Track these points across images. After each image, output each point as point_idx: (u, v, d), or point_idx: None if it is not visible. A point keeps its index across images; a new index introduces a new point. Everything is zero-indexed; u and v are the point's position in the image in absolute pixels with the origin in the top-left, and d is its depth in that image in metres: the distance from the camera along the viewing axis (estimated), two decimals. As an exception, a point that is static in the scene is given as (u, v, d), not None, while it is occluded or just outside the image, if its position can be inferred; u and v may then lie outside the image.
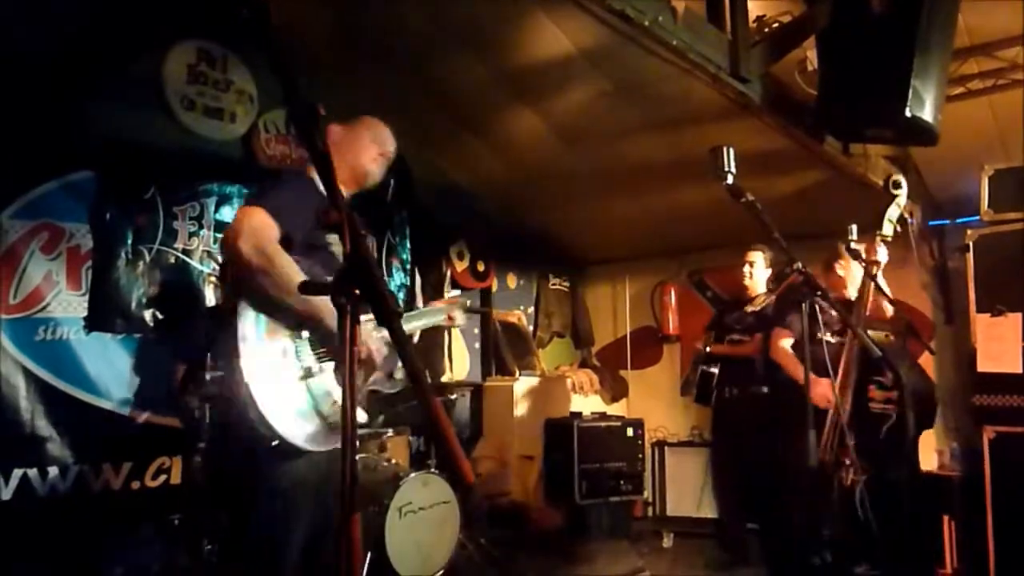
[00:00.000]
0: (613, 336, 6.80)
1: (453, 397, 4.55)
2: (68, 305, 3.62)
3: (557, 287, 6.83)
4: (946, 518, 3.99)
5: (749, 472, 4.57)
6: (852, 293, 3.74)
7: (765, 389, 4.49)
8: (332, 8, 3.98)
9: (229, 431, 2.04)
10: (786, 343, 3.89)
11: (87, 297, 3.67)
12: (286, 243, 1.89)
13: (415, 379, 0.98)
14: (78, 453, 3.55)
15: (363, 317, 1.92)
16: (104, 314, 3.71)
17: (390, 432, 4.22)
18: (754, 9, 3.56)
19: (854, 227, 3.27)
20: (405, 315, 2.48)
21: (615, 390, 6.37)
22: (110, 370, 3.71)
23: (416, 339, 5.45)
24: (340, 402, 1.87)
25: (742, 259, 4.65)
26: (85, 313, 3.66)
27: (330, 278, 1.95)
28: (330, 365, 1.94)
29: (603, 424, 5.37)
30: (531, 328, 6.44)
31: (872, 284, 3.46)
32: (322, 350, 1.95)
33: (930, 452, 4.51)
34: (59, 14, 3.52)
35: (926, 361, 4.40)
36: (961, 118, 4.10)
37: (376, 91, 4.69)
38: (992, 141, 4.49)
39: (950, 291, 4.85)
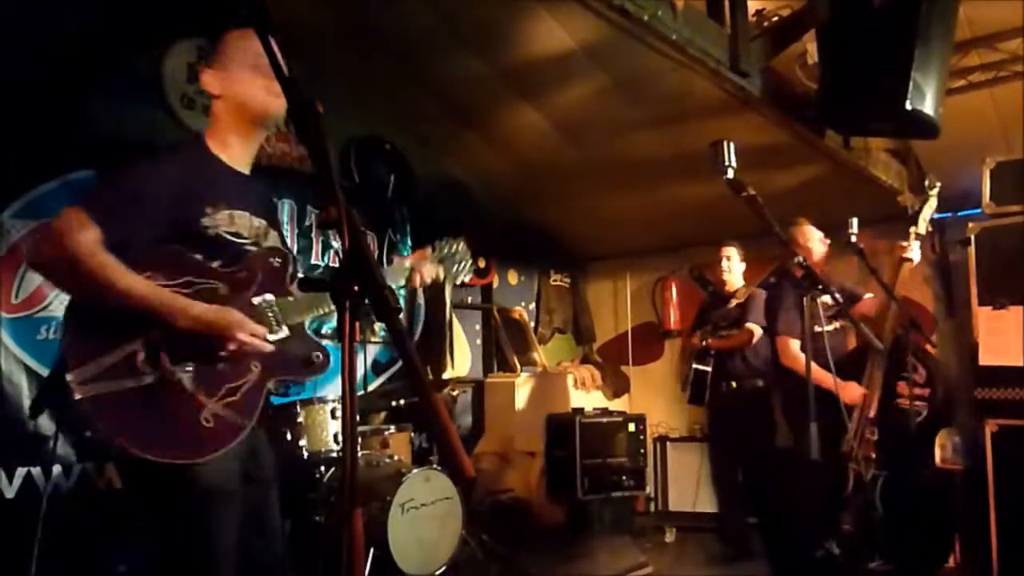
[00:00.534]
0: (614, 332, 6.80)
1: (455, 393, 4.56)
2: (69, 304, 3.62)
3: (558, 283, 6.83)
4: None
5: (749, 466, 4.58)
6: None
7: (760, 383, 4.51)
8: (333, 5, 3.98)
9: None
10: (795, 345, 3.87)
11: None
12: (125, 239, 1.67)
13: (415, 375, 0.97)
14: (81, 452, 3.56)
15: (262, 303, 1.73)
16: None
17: (392, 428, 4.22)
18: (753, 3, 3.56)
19: (854, 220, 3.26)
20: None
21: (617, 386, 6.37)
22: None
23: (417, 336, 5.49)
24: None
25: (717, 255, 4.77)
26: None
27: (213, 264, 1.77)
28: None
29: (605, 420, 5.37)
30: (532, 324, 6.44)
31: (887, 278, 3.46)
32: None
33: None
34: (59, 13, 3.52)
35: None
36: (962, 111, 4.10)
37: (377, 88, 4.69)
38: (993, 133, 4.48)
39: (951, 284, 4.84)
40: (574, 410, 5.43)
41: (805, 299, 2.74)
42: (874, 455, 3.38)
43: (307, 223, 4.79)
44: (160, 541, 1.80)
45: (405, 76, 4.51)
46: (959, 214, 4.64)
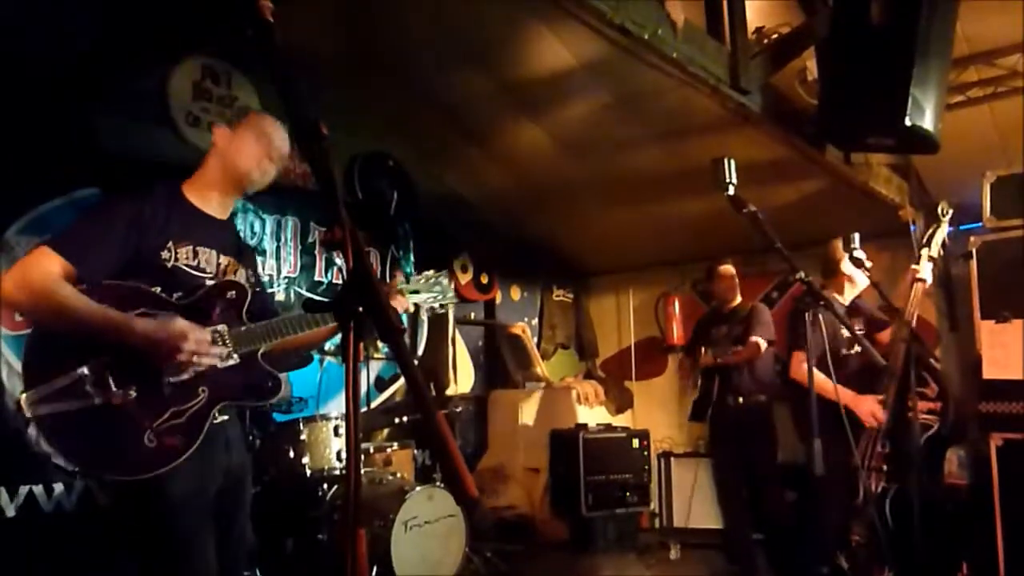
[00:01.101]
0: (617, 347, 6.80)
1: (458, 409, 4.55)
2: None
3: (561, 298, 6.83)
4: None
5: (755, 481, 4.57)
6: (849, 297, 3.77)
7: (763, 397, 4.51)
8: (337, 24, 4.01)
9: None
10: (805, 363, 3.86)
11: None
12: (87, 273, 1.83)
13: (418, 395, 0.98)
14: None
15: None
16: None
17: (395, 446, 4.22)
18: (753, 20, 3.59)
19: (856, 235, 3.27)
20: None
21: (620, 401, 6.35)
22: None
23: (420, 352, 5.49)
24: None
25: (716, 274, 4.79)
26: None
27: (172, 296, 1.91)
28: None
29: (608, 435, 5.35)
30: (535, 340, 6.44)
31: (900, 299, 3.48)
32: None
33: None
34: (65, 30, 3.55)
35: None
36: (962, 126, 4.12)
37: (380, 105, 4.72)
38: (993, 148, 4.50)
39: (954, 298, 4.84)
40: (578, 426, 5.42)
41: (807, 314, 2.75)
42: (885, 468, 3.37)
43: (311, 240, 4.81)
44: (133, 553, 1.90)
45: (408, 93, 4.53)
46: (960, 228, 4.64)
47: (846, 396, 3.40)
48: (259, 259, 4.49)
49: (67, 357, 1.79)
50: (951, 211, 3.68)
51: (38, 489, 3.44)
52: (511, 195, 5.56)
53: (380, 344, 4.78)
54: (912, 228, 4.73)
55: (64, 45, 3.57)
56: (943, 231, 3.65)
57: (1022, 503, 3.59)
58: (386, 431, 4.62)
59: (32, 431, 1.76)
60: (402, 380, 5.18)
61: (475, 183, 5.57)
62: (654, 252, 6.17)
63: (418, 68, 4.24)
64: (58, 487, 3.49)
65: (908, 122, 3.23)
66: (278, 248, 4.64)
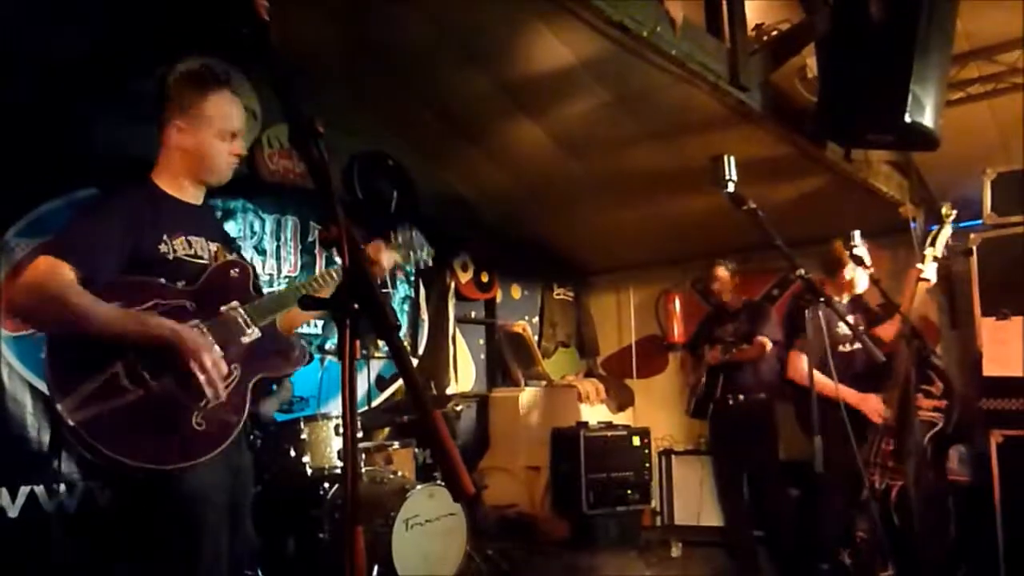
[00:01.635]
0: (618, 345, 6.80)
1: (459, 408, 4.55)
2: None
3: (561, 297, 6.83)
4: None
5: (755, 479, 4.57)
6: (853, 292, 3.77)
7: (764, 395, 4.51)
8: (335, 23, 4.01)
9: None
10: (803, 363, 3.86)
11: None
12: (93, 274, 1.80)
13: (414, 393, 0.98)
14: (85, 470, 3.56)
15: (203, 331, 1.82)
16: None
17: (396, 444, 4.22)
18: (753, 18, 3.58)
19: (857, 233, 3.26)
20: (306, 281, 2.27)
21: (621, 399, 6.35)
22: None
23: (421, 351, 5.49)
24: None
25: (711, 275, 4.78)
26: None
27: (177, 285, 1.90)
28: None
29: (609, 433, 5.36)
30: (536, 338, 6.44)
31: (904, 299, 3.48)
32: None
33: (938, 457, 4.50)
34: (63, 32, 3.55)
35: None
36: (962, 122, 4.11)
37: (380, 104, 4.72)
38: (993, 144, 4.49)
39: (954, 295, 4.84)
40: (579, 424, 5.43)
41: (807, 311, 2.75)
42: (890, 464, 3.38)
43: (310, 239, 4.81)
44: (148, 553, 1.87)
45: (407, 92, 4.54)
46: (960, 225, 4.63)
47: (850, 395, 3.40)
48: (259, 258, 4.50)
49: (94, 358, 1.77)
50: (955, 212, 3.68)
51: (39, 489, 3.45)
52: (511, 194, 5.56)
53: (381, 343, 4.78)
54: (912, 225, 4.73)
55: (63, 46, 3.57)
56: (947, 231, 3.65)
57: (1022, 499, 3.59)
58: (387, 430, 4.62)
59: (75, 437, 1.73)
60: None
61: (475, 182, 5.57)
62: (654, 250, 6.16)
63: (418, 67, 4.24)
64: (60, 487, 3.49)
65: (908, 119, 3.23)
66: (278, 247, 4.65)
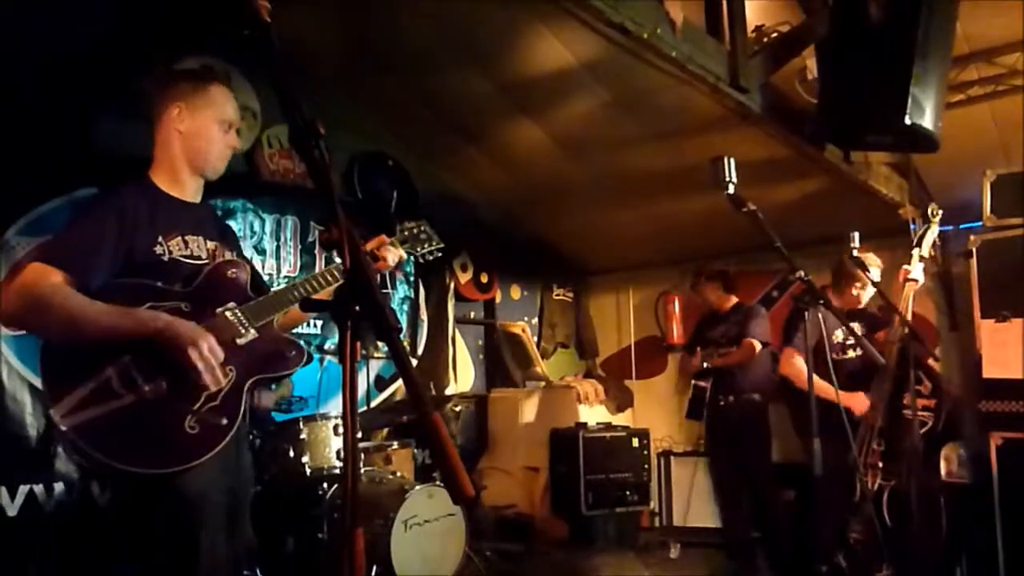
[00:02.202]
0: (617, 346, 6.79)
1: (458, 409, 4.55)
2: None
3: (561, 297, 6.83)
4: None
5: (750, 480, 4.57)
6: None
7: (758, 397, 4.52)
8: (336, 23, 4.01)
9: None
10: (799, 361, 3.86)
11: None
12: (85, 279, 1.80)
13: (414, 394, 0.98)
14: (83, 469, 3.55)
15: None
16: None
17: (395, 444, 4.22)
18: (753, 19, 3.58)
19: (856, 235, 3.27)
20: (307, 278, 2.20)
21: (620, 400, 6.35)
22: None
23: (420, 351, 5.49)
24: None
25: (698, 285, 4.91)
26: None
27: (173, 287, 1.89)
28: None
29: (608, 434, 5.36)
30: (535, 339, 6.44)
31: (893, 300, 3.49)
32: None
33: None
34: (64, 31, 3.55)
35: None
36: (962, 124, 4.12)
37: (380, 105, 4.72)
38: (993, 146, 4.49)
39: (954, 297, 4.84)
40: (577, 425, 5.42)
41: (807, 313, 2.75)
42: (880, 465, 3.39)
43: (310, 239, 4.81)
44: (147, 554, 1.86)
45: (407, 92, 4.54)
46: (960, 227, 4.65)
47: (840, 396, 3.40)
48: (259, 258, 4.50)
49: (87, 363, 1.76)
50: (941, 212, 3.69)
51: (39, 488, 3.45)
52: (511, 194, 5.56)
53: (380, 343, 4.78)
54: (912, 227, 4.72)
55: (63, 46, 3.57)
56: (933, 231, 3.67)
57: (1022, 502, 3.59)
58: (386, 430, 4.62)
59: (68, 442, 1.73)
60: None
61: (475, 182, 5.57)
62: (654, 251, 6.16)
63: (418, 68, 4.24)
64: (59, 486, 3.49)
65: (908, 121, 3.23)
66: (278, 247, 4.64)
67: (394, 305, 5.38)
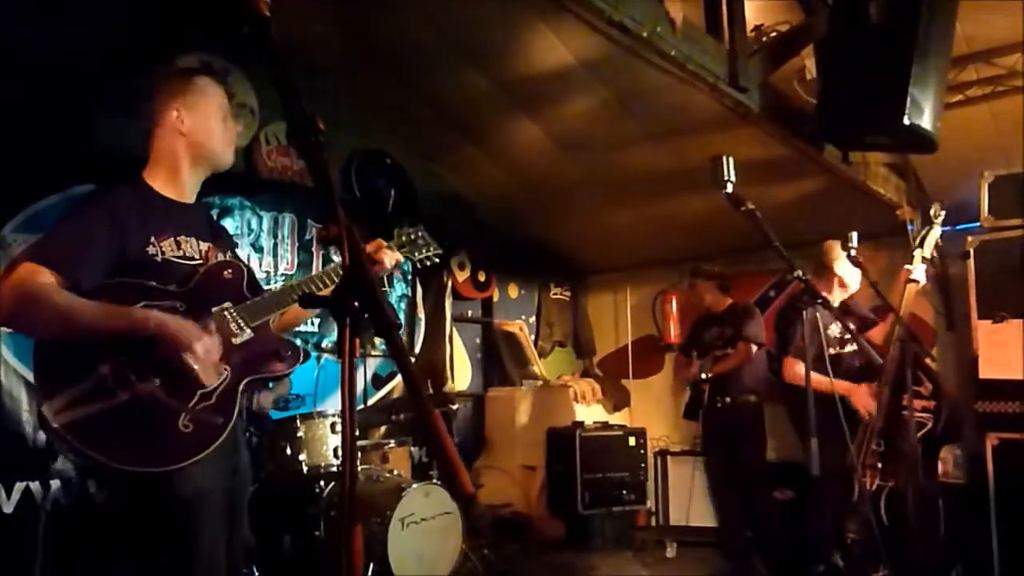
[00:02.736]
0: (615, 345, 6.80)
1: (455, 407, 4.55)
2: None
3: (558, 296, 6.83)
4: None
5: (744, 481, 4.57)
6: (839, 298, 3.79)
7: (754, 398, 4.53)
8: (335, 21, 4.01)
9: None
10: (801, 369, 3.86)
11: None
12: (77, 279, 1.78)
13: (413, 391, 0.98)
14: (80, 467, 3.55)
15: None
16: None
17: (392, 443, 4.22)
18: (752, 18, 3.58)
19: (854, 235, 3.27)
20: (306, 279, 2.20)
21: (617, 399, 6.36)
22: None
23: (418, 350, 5.48)
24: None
25: (695, 285, 4.93)
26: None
27: (167, 287, 1.89)
28: None
29: (605, 433, 5.36)
30: (533, 338, 6.44)
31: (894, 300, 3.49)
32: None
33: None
34: (61, 28, 3.54)
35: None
36: (960, 125, 4.12)
37: (379, 102, 4.71)
38: (991, 148, 4.49)
39: (951, 298, 4.85)
40: (574, 424, 5.43)
41: (805, 312, 2.75)
42: (879, 466, 3.39)
43: (307, 237, 4.80)
44: (146, 554, 1.85)
45: (406, 90, 4.53)
46: (958, 227, 4.65)
47: (841, 385, 3.40)
48: (256, 256, 4.49)
49: (81, 361, 1.76)
50: (943, 212, 3.70)
51: (35, 485, 3.44)
52: (509, 193, 5.56)
53: (377, 341, 4.78)
54: (910, 227, 4.73)
55: (61, 42, 3.56)
56: (936, 232, 3.67)
57: (1018, 502, 3.60)
58: (383, 428, 4.62)
59: (60, 440, 1.72)
60: (399, 377, 5.18)
61: (473, 181, 5.56)
62: (652, 250, 6.16)
63: (416, 66, 4.24)
64: (55, 484, 3.48)
65: (907, 121, 3.23)
66: (275, 245, 4.64)
67: (391, 303, 5.38)
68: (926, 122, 3.30)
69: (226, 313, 1.96)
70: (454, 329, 5.72)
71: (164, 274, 1.93)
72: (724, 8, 3.37)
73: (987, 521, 3.67)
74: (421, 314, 5.50)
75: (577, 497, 5.05)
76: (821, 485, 3.16)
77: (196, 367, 1.81)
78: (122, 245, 1.87)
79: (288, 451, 3.51)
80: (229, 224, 4.29)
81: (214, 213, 4.17)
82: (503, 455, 5.65)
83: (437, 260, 2.54)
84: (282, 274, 4.63)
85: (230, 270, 2.06)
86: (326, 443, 3.61)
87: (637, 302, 6.67)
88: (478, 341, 6.11)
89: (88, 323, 1.75)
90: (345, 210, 1.05)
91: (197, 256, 2.03)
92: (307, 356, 3.57)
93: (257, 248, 4.52)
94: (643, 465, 5.35)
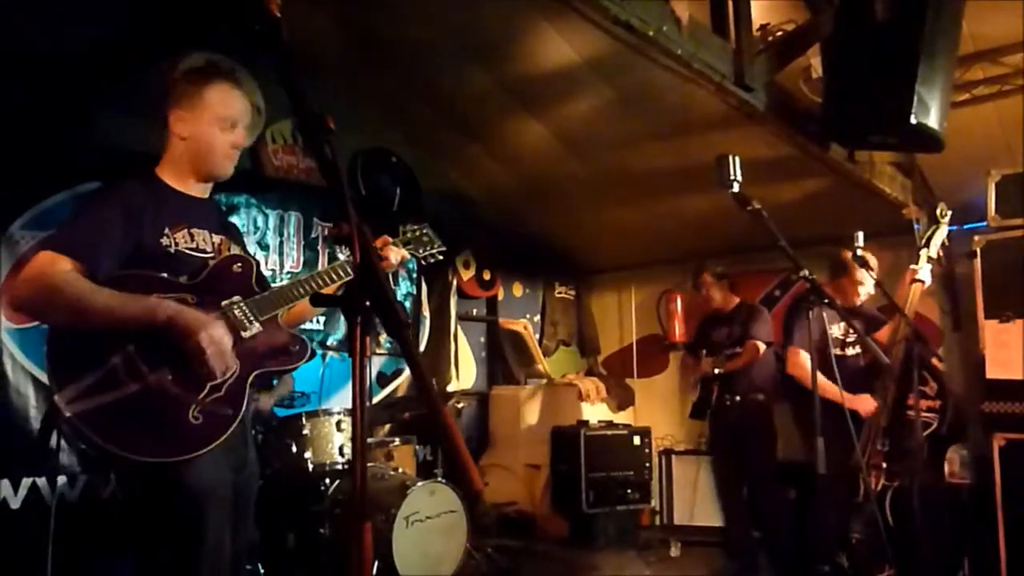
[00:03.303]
0: (619, 344, 6.79)
1: (460, 406, 4.56)
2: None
3: (563, 295, 6.83)
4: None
5: (751, 480, 4.57)
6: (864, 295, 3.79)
7: (762, 396, 4.52)
8: (340, 20, 4.01)
9: None
10: (804, 358, 3.86)
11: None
12: (93, 267, 1.81)
13: (424, 389, 0.98)
14: (86, 462, 3.57)
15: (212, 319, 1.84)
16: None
17: (396, 441, 4.22)
18: (758, 17, 3.57)
19: (860, 234, 3.26)
20: (314, 274, 2.18)
21: (622, 398, 6.35)
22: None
23: (422, 348, 5.49)
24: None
25: (704, 285, 4.88)
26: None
27: (179, 279, 1.91)
28: None
29: (610, 432, 5.36)
30: (537, 336, 6.44)
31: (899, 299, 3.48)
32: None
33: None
34: (67, 26, 3.55)
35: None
36: (967, 124, 4.10)
37: (383, 101, 4.72)
38: (998, 147, 4.48)
39: (958, 297, 4.83)
40: (579, 423, 5.43)
41: (811, 312, 2.75)
42: (884, 466, 3.39)
43: (313, 235, 4.81)
44: (151, 546, 1.87)
45: (411, 89, 4.53)
46: (964, 227, 4.64)
47: (836, 397, 3.38)
48: (262, 254, 4.50)
49: (93, 351, 1.77)
50: (950, 212, 3.69)
51: (41, 481, 3.45)
52: (514, 192, 5.56)
53: (382, 339, 4.79)
54: (916, 227, 4.72)
55: (67, 41, 3.57)
56: (942, 232, 3.66)
57: (1024, 503, 3.59)
58: (388, 426, 4.62)
59: (72, 429, 1.74)
60: (404, 375, 5.19)
61: (478, 180, 5.57)
62: (657, 249, 6.16)
63: (421, 64, 4.24)
64: (62, 479, 3.50)
65: (913, 120, 3.22)
66: (281, 243, 4.65)
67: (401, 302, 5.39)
68: (933, 121, 3.29)
69: (235, 307, 1.98)
70: (459, 327, 5.72)
71: (177, 265, 1.95)
72: (730, 7, 3.36)
73: (994, 522, 3.66)
74: (426, 312, 5.51)
75: (581, 496, 5.05)
76: (826, 484, 3.16)
77: (210, 355, 1.82)
78: (137, 235, 1.90)
79: (293, 449, 3.52)
80: (235, 222, 4.30)
81: (222, 209, 4.18)
82: (507, 454, 5.66)
83: (441, 257, 2.55)
84: (288, 272, 4.64)
85: (240, 264, 2.08)
86: (331, 441, 3.62)
87: (641, 301, 6.66)
88: (483, 339, 6.12)
89: (105, 311, 1.77)
90: (354, 208, 1.05)
91: (209, 248, 2.05)
92: (312, 353, 3.58)
93: (263, 246, 4.53)
94: (647, 464, 5.34)
